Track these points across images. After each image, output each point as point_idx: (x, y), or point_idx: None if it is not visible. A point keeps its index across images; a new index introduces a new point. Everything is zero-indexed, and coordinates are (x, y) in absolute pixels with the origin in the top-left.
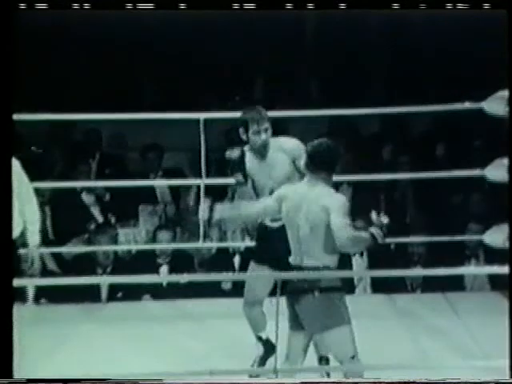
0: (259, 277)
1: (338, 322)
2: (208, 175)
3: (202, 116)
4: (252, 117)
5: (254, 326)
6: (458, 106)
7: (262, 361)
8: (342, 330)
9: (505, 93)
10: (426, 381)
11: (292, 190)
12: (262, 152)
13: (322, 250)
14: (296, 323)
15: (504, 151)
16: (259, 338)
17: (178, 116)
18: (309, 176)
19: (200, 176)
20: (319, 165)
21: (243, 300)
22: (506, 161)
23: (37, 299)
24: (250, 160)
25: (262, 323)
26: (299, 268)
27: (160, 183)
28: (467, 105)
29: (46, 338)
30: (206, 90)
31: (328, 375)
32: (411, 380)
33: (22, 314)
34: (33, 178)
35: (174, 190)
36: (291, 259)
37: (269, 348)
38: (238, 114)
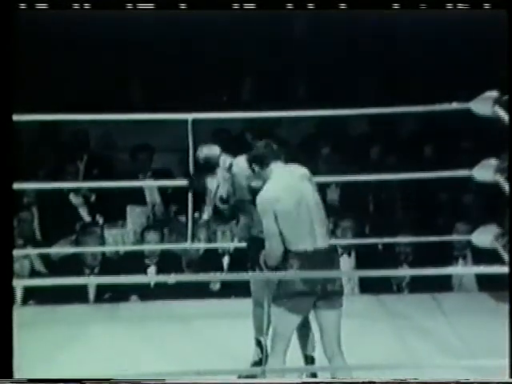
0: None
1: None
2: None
3: (189, 116)
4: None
5: (255, 327)
6: (445, 106)
7: (256, 365)
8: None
9: (492, 93)
10: (424, 381)
11: (273, 190)
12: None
13: (327, 227)
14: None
15: (492, 151)
16: (258, 343)
17: (165, 117)
18: (256, 177)
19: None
20: (268, 160)
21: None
22: (493, 161)
23: (25, 301)
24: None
25: (262, 327)
26: (314, 252)
27: (149, 184)
28: (454, 105)
29: (37, 340)
30: (194, 90)
31: (314, 375)
32: (413, 380)
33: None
34: (20, 178)
35: (162, 190)
36: (304, 246)
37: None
38: (226, 115)
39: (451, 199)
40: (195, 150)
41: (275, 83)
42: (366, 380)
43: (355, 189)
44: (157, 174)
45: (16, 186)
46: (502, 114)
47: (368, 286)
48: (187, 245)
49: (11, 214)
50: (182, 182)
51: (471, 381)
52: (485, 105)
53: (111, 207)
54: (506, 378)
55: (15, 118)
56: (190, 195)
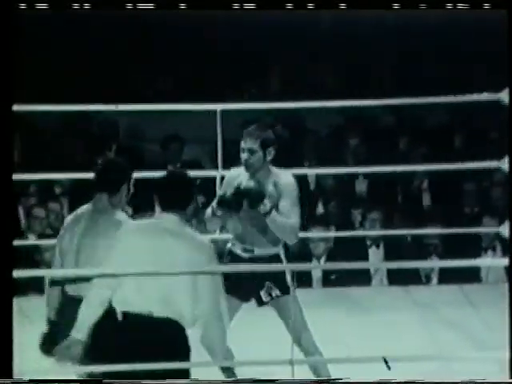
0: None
1: None
2: (224, 167)
3: (218, 107)
4: (243, 133)
5: None
6: (474, 96)
7: None
8: None
9: None
10: (425, 381)
11: None
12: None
13: None
14: None
15: None
16: None
17: (194, 107)
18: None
19: (217, 168)
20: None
21: None
22: None
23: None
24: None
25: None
26: None
27: None
28: (484, 95)
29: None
30: (223, 81)
31: None
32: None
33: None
34: (51, 169)
35: None
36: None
37: None
38: (254, 105)
39: (480, 190)
40: (224, 141)
41: (301, 74)
42: (370, 380)
43: (383, 180)
44: (186, 164)
45: (22, 176)
46: None
47: (396, 278)
48: (216, 235)
49: (11, 206)
50: (210, 173)
51: (471, 381)
52: None
53: (140, 198)
54: (506, 378)
55: (15, 108)
56: (217, 185)
